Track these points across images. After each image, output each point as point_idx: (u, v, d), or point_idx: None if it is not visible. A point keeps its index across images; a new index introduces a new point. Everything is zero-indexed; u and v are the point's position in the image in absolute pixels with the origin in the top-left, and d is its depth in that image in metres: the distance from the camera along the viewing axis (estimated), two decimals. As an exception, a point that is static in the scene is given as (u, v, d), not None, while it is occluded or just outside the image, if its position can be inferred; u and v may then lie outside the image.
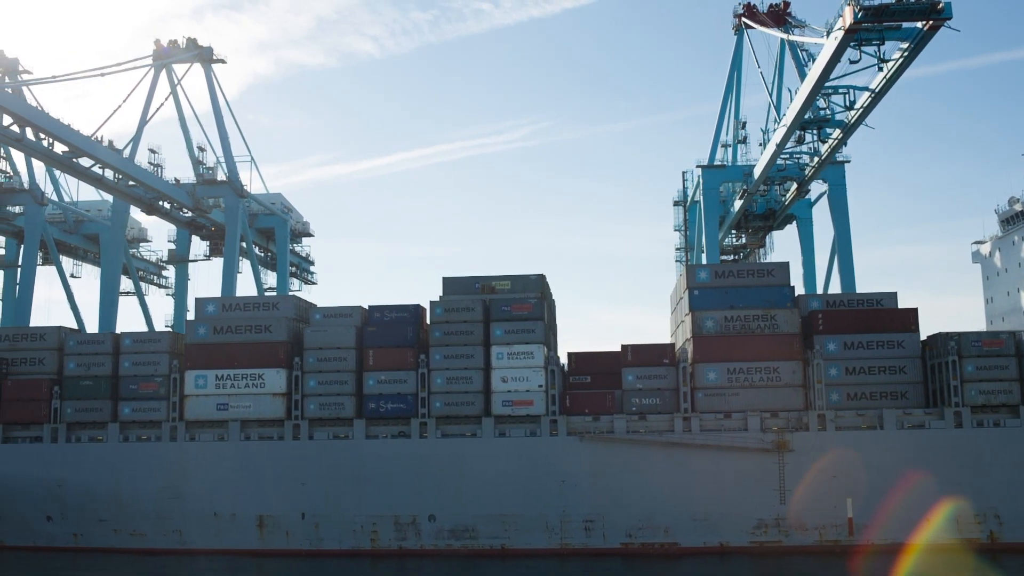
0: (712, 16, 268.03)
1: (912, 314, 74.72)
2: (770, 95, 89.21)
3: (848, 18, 59.61)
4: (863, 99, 73.09)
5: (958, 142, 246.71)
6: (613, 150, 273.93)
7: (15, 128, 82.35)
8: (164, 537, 74.96)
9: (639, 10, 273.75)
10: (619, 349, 76.07)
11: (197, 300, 78.87)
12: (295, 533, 73.57)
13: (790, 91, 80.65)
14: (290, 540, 73.57)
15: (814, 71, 68.55)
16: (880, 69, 67.46)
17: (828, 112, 77.44)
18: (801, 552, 69.96)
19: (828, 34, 64.32)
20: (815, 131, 78.72)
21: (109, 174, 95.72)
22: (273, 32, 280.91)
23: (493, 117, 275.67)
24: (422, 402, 74.25)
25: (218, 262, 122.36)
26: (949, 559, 66.55)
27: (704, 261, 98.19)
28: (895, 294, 76.88)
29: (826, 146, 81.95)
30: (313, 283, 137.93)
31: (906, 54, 63.81)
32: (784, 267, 78.29)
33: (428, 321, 76.81)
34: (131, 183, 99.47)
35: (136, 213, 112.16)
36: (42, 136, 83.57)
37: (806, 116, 76.11)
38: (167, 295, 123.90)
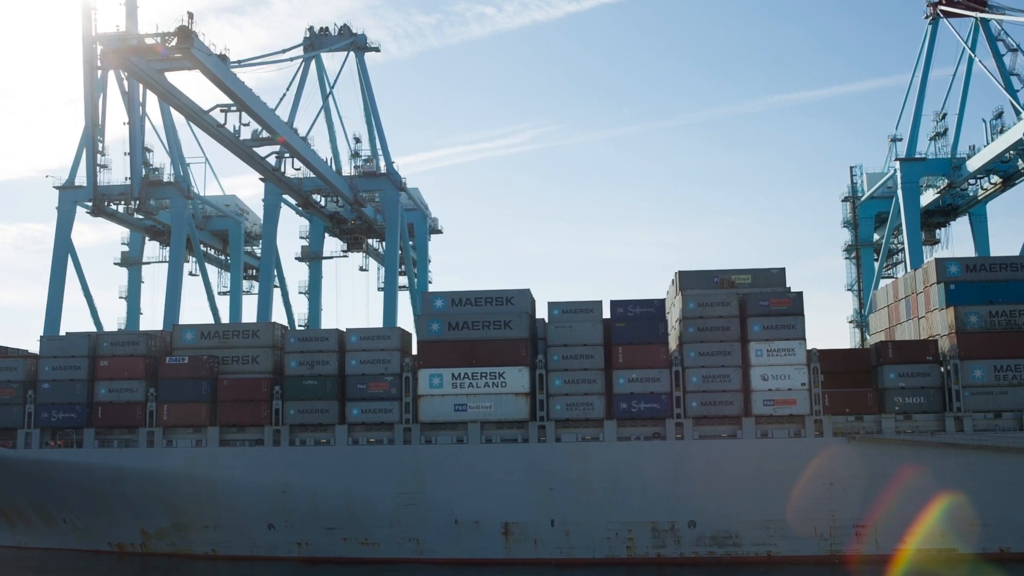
0: (710, 19, 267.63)
1: None
2: (1001, 83, 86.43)
3: None
4: None
5: None
6: (614, 155, 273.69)
7: (216, 114, 78.33)
8: (399, 546, 70.53)
9: (640, 14, 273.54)
10: (870, 347, 72.85)
11: (424, 295, 74.46)
12: (544, 541, 69.39)
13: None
14: (539, 549, 69.38)
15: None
16: None
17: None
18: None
19: None
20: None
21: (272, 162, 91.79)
22: (274, 36, 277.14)
23: (495, 122, 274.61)
24: (677, 401, 70.35)
25: (355, 258, 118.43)
26: None
27: (903, 259, 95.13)
28: None
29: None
30: (429, 282, 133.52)
31: None
32: (1038, 261, 75.13)
33: (678, 316, 72.80)
34: (293, 174, 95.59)
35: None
36: (246, 120, 79.30)
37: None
38: (300, 292, 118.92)
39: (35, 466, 73.78)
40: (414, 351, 75.91)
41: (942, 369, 70.72)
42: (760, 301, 71.78)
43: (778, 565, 67.69)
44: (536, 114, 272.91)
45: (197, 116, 77.92)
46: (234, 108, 77.29)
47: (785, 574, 66.62)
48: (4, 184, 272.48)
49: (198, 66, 68.05)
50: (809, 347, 71.31)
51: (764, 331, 70.95)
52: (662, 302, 74.02)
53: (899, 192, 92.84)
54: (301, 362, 73.26)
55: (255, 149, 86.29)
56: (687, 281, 75.54)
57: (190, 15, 65.08)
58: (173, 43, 64.30)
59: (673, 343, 74.15)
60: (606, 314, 73.40)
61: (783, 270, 76.00)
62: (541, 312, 76.23)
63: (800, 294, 72.18)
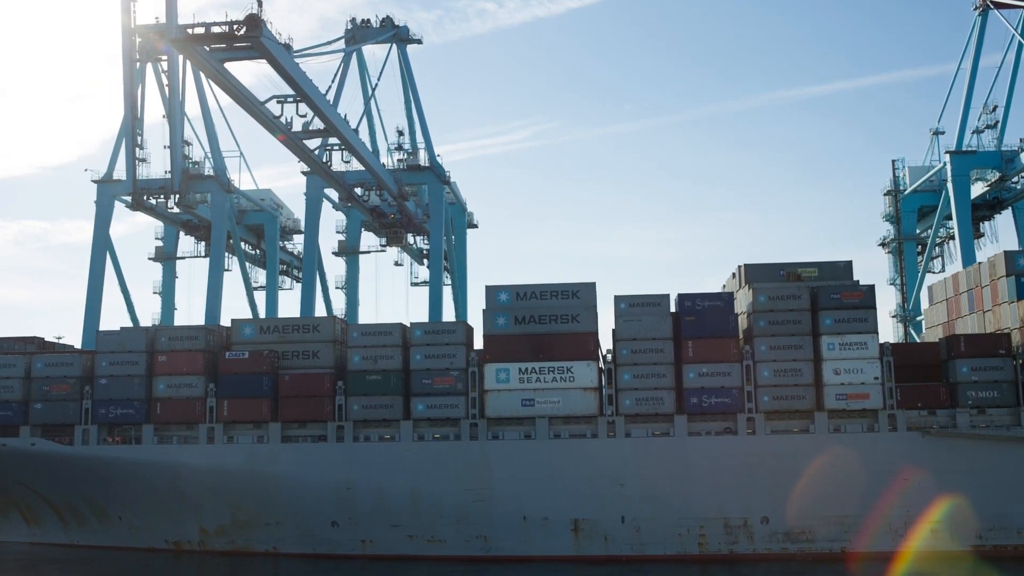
0: (712, 15, 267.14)
1: None
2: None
3: None
4: None
5: None
6: (614, 152, 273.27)
7: (273, 104, 77.07)
8: (466, 544, 69.45)
9: (641, 10, 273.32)
10: (937, 340, 72.04)
11: (488, 288, 73.05)
12: (614, 538, 68.40)
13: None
14: (608, 545, 68.40)
15: None
16: None
17: None
18: None
19: None
20: None
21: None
22: (275, 33, 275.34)
23: (495, 119, 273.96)
24: (748, 396, 69.36)
25: (390, 253, 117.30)
26: None
27: (952, 254, 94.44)
28: None
29: None
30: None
31: None
32: (1108, 253, 74.38)
33: (748, 309, 71.84)
34: (338, 168, 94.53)
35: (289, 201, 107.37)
36: (303, 112, 78.07)
37: None
38: (337, 288, 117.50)
39: (93, 463, 72.58)
40: (476, 345, 74.89)
41: (1015, 363, 69.93)
42: (832, 294, 70.77)
43: (852, 561, 66.82)
44: (536, 111, 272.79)
45: (254, 107, 76.50)
46: (291, 99, 75.98)
47: (859, 570, 65.75)
48: (4, 182, 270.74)
49: (265, 55, 66.81)
50: (881, 341, 70.56)
51: (836, 324, 69.92)
52: (731, 295, 73.08)
53: (949, 185, 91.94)
54: (364, 357, 72.01)
55: (304, 141, 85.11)
56: (753, 274, 74.66)
57: (259, 2, 63.90)
58: (242, 31, 63.06)
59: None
60: (673, 308, 72.49)
61: (850, 263, 75.24)
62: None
63: (872, 287, 71.20)
